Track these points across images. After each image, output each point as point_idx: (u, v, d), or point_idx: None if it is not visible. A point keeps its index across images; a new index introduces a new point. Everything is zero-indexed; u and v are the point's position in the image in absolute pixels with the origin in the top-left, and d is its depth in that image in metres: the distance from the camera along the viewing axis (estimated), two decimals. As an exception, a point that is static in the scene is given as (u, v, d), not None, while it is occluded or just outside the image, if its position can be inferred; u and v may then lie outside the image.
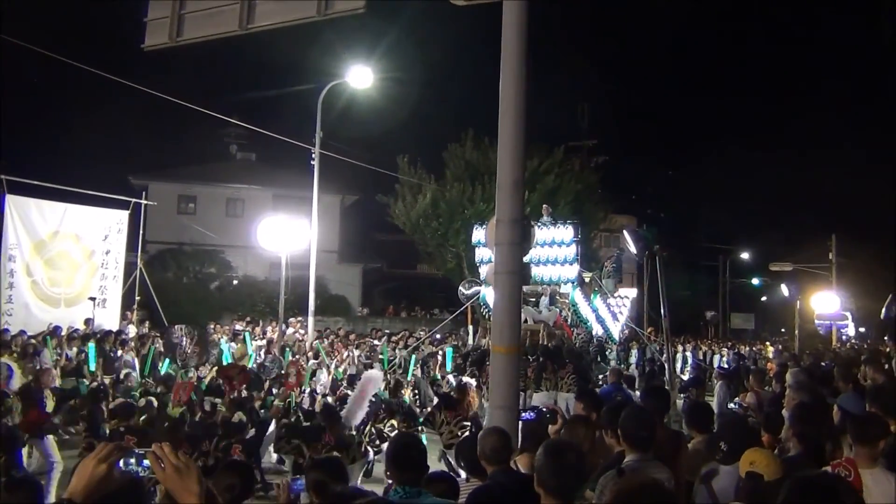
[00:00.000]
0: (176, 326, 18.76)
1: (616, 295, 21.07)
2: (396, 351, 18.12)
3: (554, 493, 3.19)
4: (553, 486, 3.20)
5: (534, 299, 18.20)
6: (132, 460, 2.03)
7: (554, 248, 18.31)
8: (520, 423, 5.60)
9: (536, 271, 17.92)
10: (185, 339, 18.60)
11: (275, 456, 10.30)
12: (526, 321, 17.35)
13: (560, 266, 18.30)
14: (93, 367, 13.39)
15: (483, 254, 18.57)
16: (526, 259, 17.52)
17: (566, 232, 18.43)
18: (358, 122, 29.92)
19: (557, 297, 18.24)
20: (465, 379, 11.26)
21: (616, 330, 20.26)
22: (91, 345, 13.83)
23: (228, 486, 3.87)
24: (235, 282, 31.68)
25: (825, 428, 5.21)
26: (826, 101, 66.28)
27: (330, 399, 10.73)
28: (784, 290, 40.54)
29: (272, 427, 9.65)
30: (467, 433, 8.27)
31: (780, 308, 46.22)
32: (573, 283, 18.42)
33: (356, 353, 17.06)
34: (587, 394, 6.25)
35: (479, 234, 19.25)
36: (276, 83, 52.71)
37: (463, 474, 5.12)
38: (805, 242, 38.57)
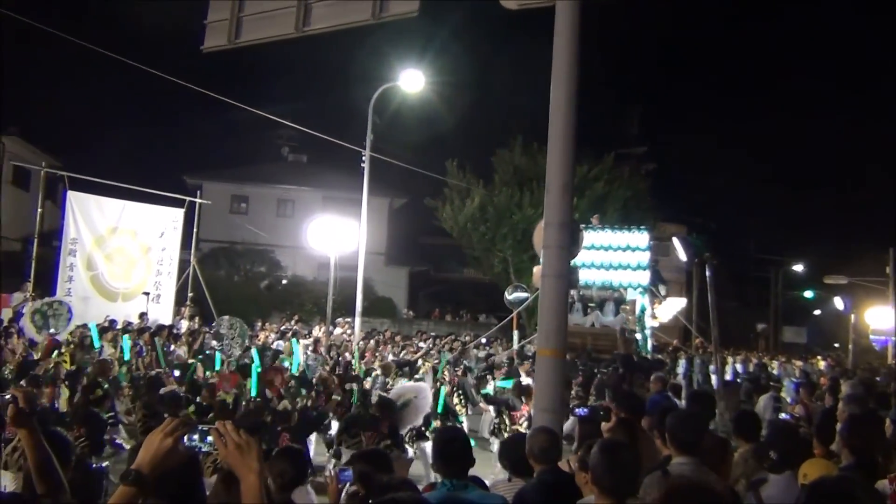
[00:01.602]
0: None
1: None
2: (441, 354, 18.18)
3: (609, 491, 3.22)
4: (608, 484, 3.22)
5: (594, 304, 17.97)
6: (196, 436, 2.13)
7: (627, 253, 17.95)
8: (573, 419, 5.60)
9: (605, 276, 17.70)
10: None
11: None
12: (593, 325, 17.19)
13: (632, 271, 17.95)
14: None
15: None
16: (597, 263, 17.19)
17: (641, 237, 18.08)
18: (408, 125, 30.10)
19: (625, 304, 17.96)
20: (526, 380, 11.20)
21: (649, 342, 20.02)
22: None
23: (280, 471, 3.95)
24: (284, 281, 32.15)
25: (878, 441, 5.11)
26: (885, 110, 64.30)
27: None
28: (838, 303, 39.44)
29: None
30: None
31: (833, 322, 44.93)
32: (644, 289, 18.09)
33: (390, 356, 17.13)
34: (626, 397, 6.21)
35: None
36: (327, 86, 53.47)
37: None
38: (861, 255, 37.41)
